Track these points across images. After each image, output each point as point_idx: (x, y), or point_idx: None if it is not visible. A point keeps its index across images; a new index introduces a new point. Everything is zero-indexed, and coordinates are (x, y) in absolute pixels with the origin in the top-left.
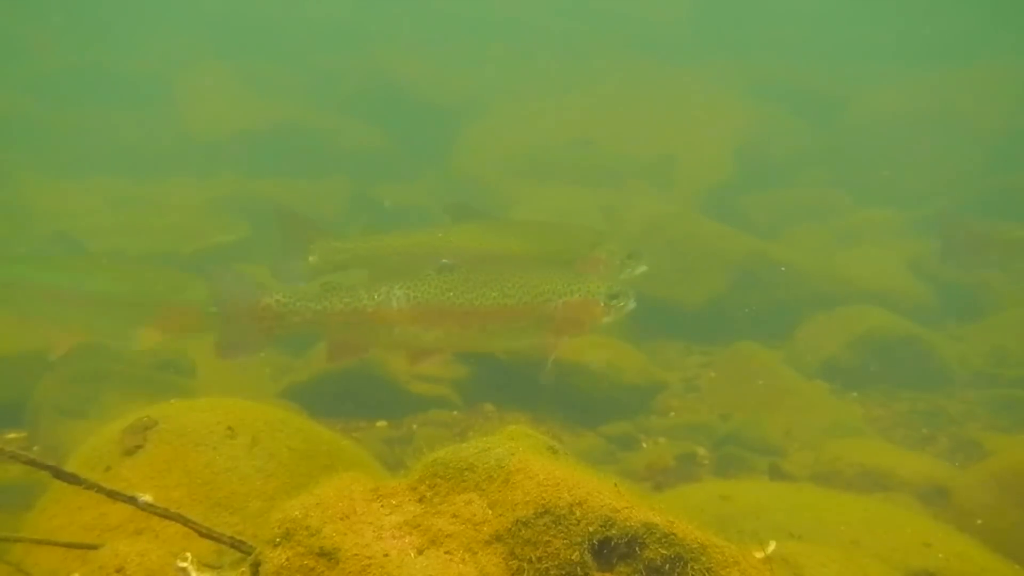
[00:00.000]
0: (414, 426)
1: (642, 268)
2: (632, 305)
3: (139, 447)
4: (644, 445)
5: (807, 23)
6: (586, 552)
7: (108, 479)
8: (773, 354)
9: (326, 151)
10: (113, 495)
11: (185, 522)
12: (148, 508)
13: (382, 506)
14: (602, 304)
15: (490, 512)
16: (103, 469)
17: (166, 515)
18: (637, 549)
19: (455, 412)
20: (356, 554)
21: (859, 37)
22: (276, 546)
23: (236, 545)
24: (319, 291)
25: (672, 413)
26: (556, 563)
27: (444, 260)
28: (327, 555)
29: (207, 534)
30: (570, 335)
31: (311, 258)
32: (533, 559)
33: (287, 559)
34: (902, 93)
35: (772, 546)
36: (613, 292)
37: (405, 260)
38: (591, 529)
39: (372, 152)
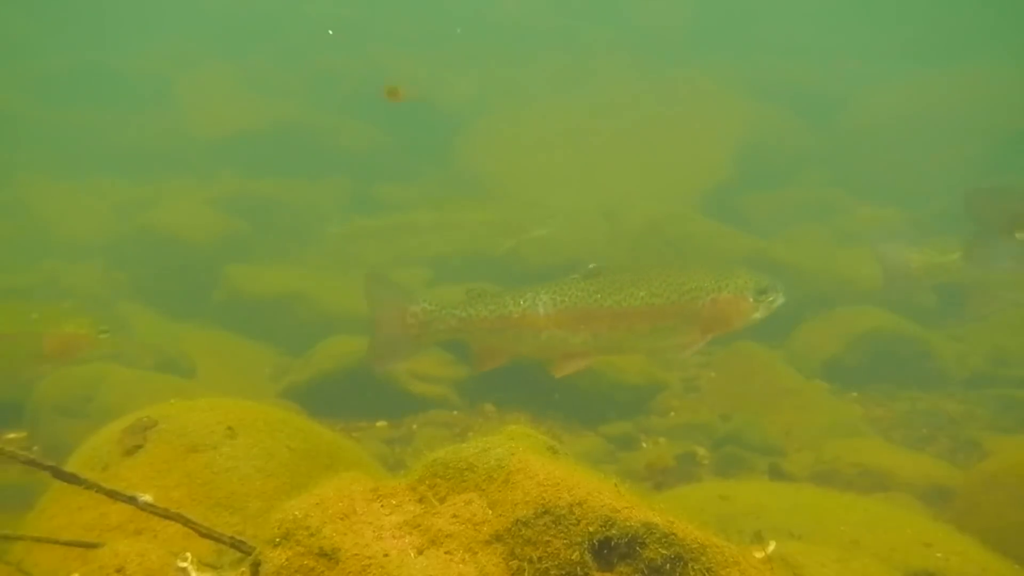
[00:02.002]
0: (414, 426)
1: None
2: (782, 300)
3: (139, 447)
4: (644, 445)
5: (807, 23)
6: (586, 552)
7: (108, 479)
8: (773, 354)
9: (326, 151)
10: (113, 495)
11: (185, 522)
12: (148, 508)
13: (382, 506)
14: (751, 300)
15: (490, 512)
16: (102, 469)
17: (166, 515)
18: (637, 549)
19: (455, 412)
20: (356, 554)
21: (859, 37)
22: (276, 546)
23: (236, 545)
24: (465, 299)
25: (672, 413)
26: (556, 563)
27: (591, 264)
28: (327, 555)
29: (207, 534)
30: (718, 333)
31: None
32: (533, 559)
33: (287, 559)
34: (902, 93)
35: (772, 546)
36: (762, 287)
37: None
38: (591, 529)
39: (372, 152)
